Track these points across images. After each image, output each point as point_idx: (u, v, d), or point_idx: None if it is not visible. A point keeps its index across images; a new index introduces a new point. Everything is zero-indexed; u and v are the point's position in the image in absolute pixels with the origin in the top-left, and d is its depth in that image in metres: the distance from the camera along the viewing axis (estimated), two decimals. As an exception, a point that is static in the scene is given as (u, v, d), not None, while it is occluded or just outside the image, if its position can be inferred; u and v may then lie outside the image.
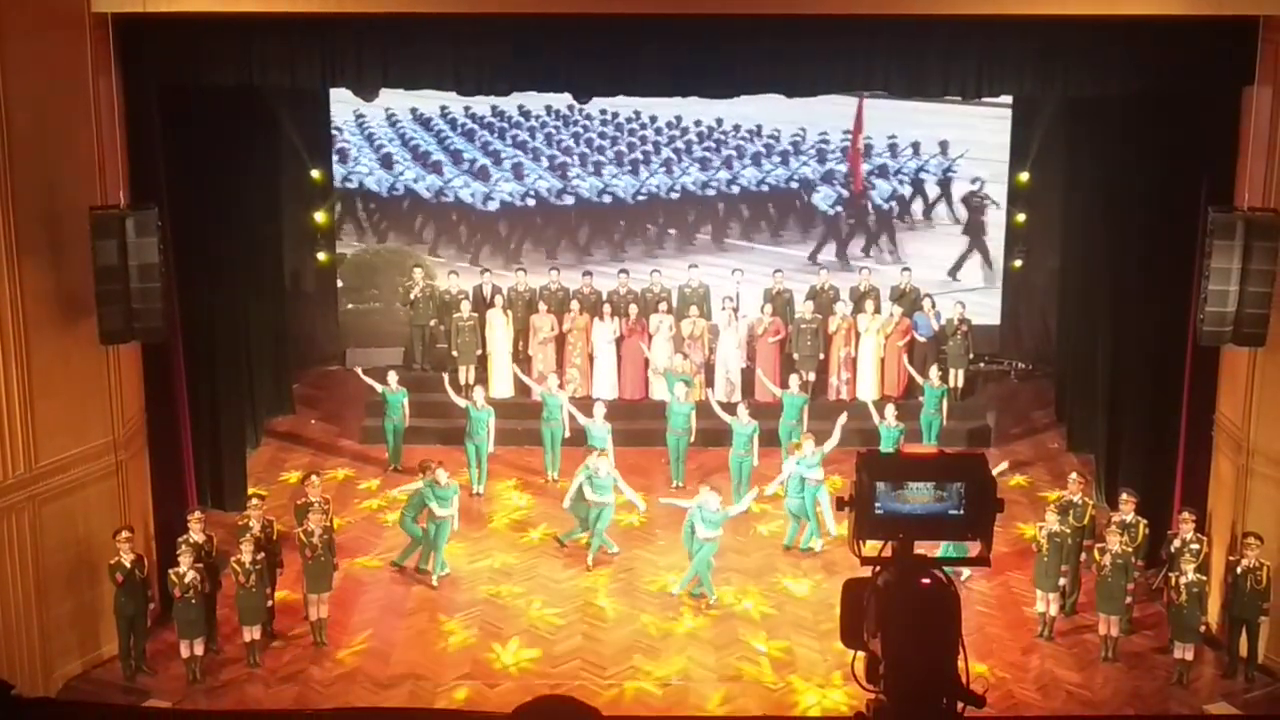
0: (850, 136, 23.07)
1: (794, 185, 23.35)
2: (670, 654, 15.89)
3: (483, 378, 20.80)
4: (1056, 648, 16.06)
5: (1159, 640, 16.01)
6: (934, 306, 21.02)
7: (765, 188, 23.40)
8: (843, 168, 23.26)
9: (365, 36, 15.46)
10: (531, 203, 23.32)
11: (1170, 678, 15.45)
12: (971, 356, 21.44)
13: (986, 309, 22.86)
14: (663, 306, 21.03)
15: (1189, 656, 15.37)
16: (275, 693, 15.23)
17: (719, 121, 23.33)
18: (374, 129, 23.40)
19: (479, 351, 21.03)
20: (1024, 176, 22.30)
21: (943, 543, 6.03)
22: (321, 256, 22.78)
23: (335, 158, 23.10)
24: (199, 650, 15.37)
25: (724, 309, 20.97)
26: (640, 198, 23.41)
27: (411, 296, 21.60)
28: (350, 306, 23.62)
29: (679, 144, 23.50)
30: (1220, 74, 15.34)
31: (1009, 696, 15.03)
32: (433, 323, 21.59)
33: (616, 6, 15.10)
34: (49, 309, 14.83)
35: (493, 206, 23.36)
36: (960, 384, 21.16)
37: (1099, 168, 19.54)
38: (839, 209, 23.34)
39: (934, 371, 20.00)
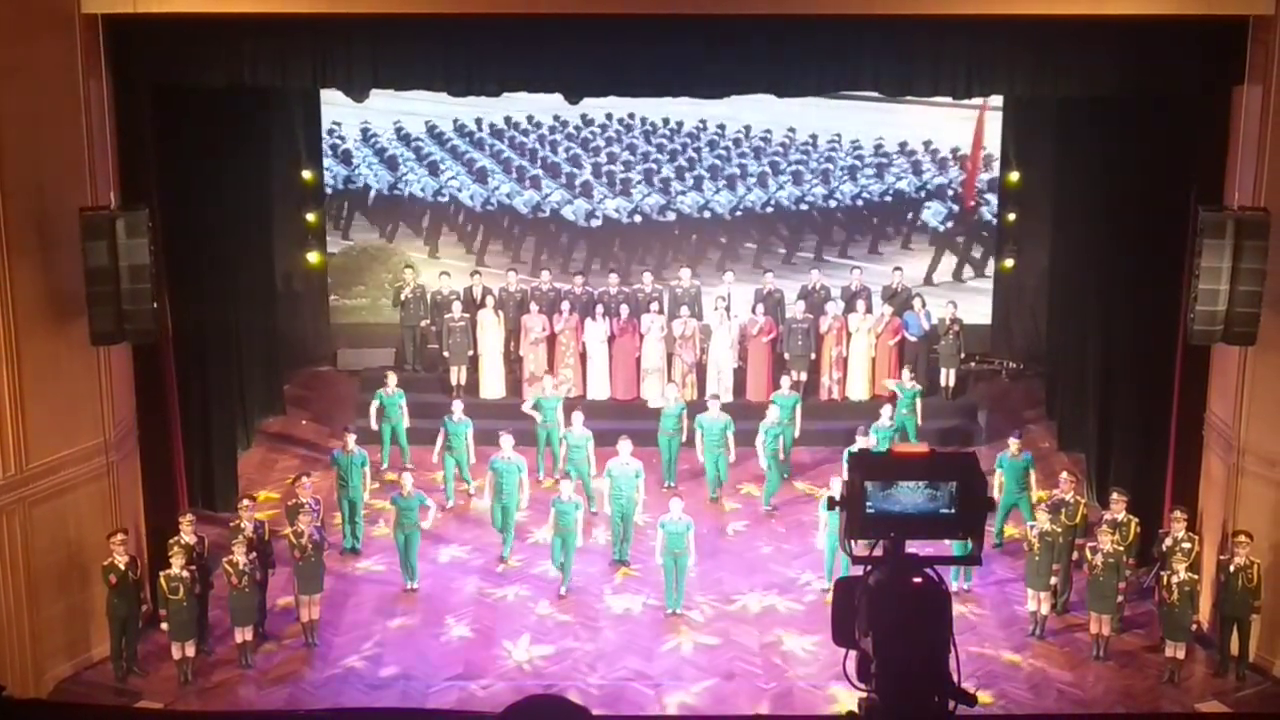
0: (922, 145, 22.83)
1: (888, 199, 23.01)
2: (662, 654, 15.89)
3: (475, 379, 20.80)
4: (1048, 646, 16.08)
5: (1150, 639, 16.03)
6: (924, 306, 21.04)
7: (860, 202, 23.06)
8: (942, 179, 22.86)
9: (355, 37, 15.46)
10: (639, 219, 23.08)
11: (1161, 676, 15.48)
12: (963, 356, 21.45)
13: (977, 308, 22.87)
14: (654, 307, 21.02)
15: (1180, 655, 15.40)
16: (267, 694, 15.23)
17: (793, 131, 22.88)
18: (453, 139, 23.17)
19: (470, 352, 21.01)
20: (1014, 176, 22.31)
21: (942, 542, 6.01)
22: (313, 258, 22.70)
23: (425, 170, 23.00)
24: (190, 651, 15.38)
25: (716, 309, 20.96)
26: (738, 214, 23.10)
27: (402, 297, 21.57)
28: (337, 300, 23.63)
29: (766, 157, 23.01)
30: (1210, 74, 15.38)
31: (1001, 695, 15.05)
32: (424, 323, 21.58)
33: (606, 7, 15.11)
34: (40, 310, 14.82)
35: (595, 224, 23.10)
36: (952, 383, 21.18)
37: (1089, 167, 19.55)
38: (949, 224, 23.03)
39: (905, 373, 20.00)
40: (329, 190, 22.97)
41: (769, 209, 23.07)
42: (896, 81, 16.02)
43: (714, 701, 15.07)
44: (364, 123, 22.77)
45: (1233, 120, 15.42)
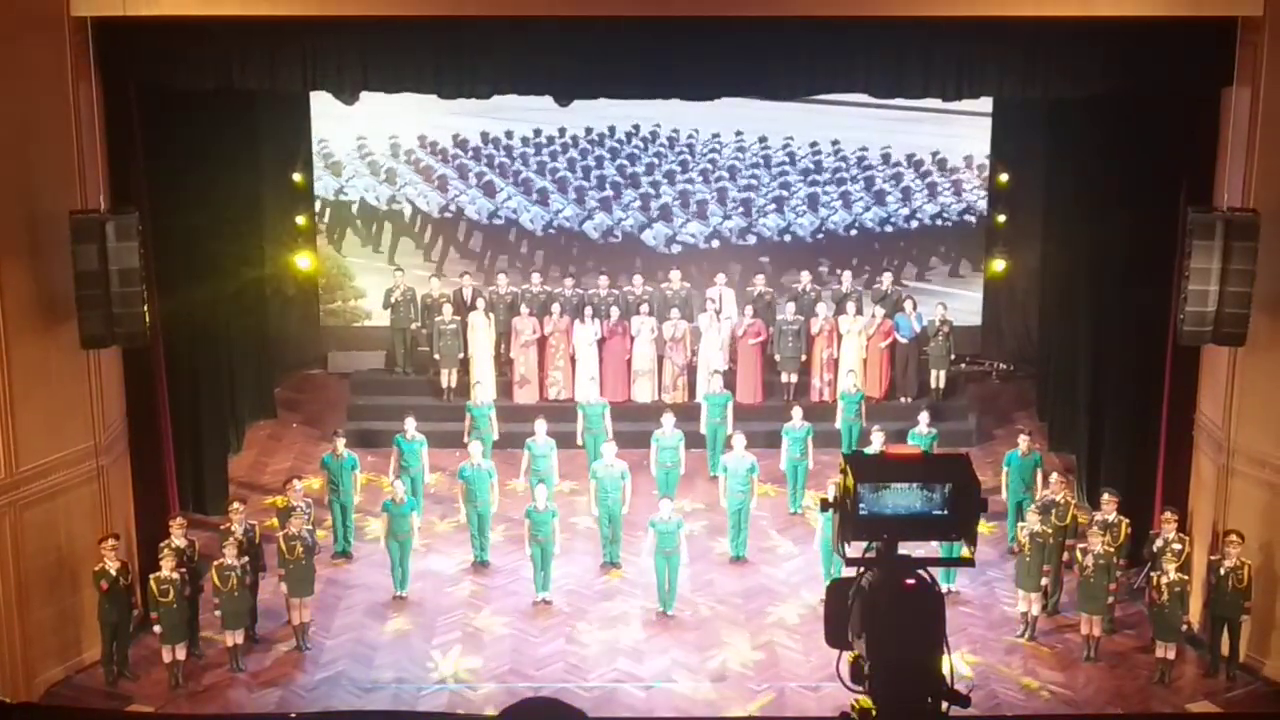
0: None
1: (969, 219, 22.84)
2: (654, 656, 15.88)
3: (465, 381, 20.76)
4: (1039, 647, 16.09)
5: (1141, 639, 16.06)
6: (915, 308, 21.05)
7: (940, 221, 22.88)
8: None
9: (345, 40, 15.43)
10: (716, 244, 22.83)
11: (1152, 677, 15.50)
12: (953, 358, 21.47)
13: (968, 310, 22.89)
14: (644, 309, 21.00)
15: (1171, 655, 15.42)
16: (258, 697, 15.21)
17: (837, 143, 22.55)
18: (501, 159, 22.95)
19: (461, 355, 20.98)
20: (1004, 177, 22.32)
21: (932, 544, 6.01)
22: (304, 264, 22.50)
23: (479, 190, 22.77)
24: (181, 655, 15.34)
25: (707, 311, 20.94)
26: (819, 236, 22.84)
27: (392, 300, 21.51)
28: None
29: (824, 173, 22.67)
30: (1199, 75, 15.40)
31: (992, 696, 15.07)
32: (414, 325, 21.54)
33: (597, 9, 15.10)
34: (29, 314, 14.79)
35: (676, 249, 22.82)
36: (942, 385, 21.19)
37: (1079, 168, 19.57)
38: None
39: (851, 379, 19.98)
40: (377, 207, 22.94)
41: (853, 231, 22.82)
42: (887, 83, 16.00)
43: (706, 703, 15.07)
44: (393, 137, 22.71)
45: (1222, 121, 15.45)
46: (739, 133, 22.67)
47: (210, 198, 18.58)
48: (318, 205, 22.78)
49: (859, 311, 21.04)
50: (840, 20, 15.17)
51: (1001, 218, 22.47)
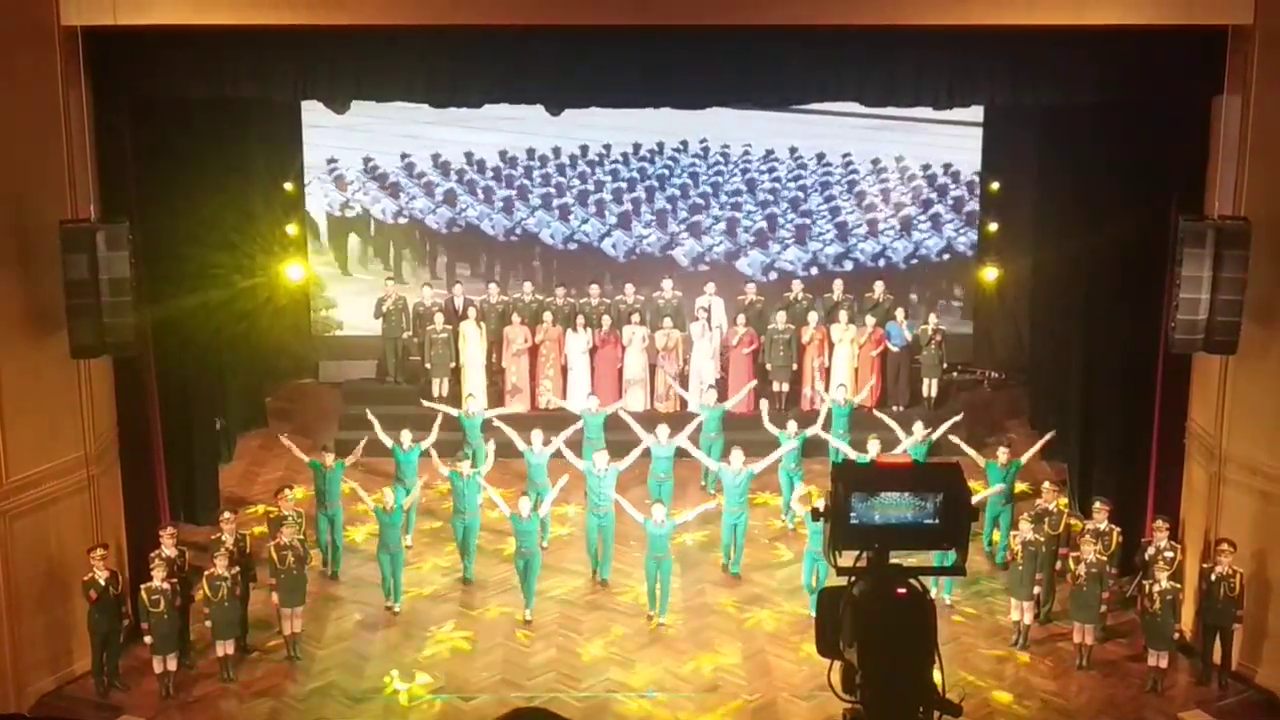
0: None
1: None
2: (645, 665, 15.86)
3: (457, 390, 20.73)
4: (1031, 656, 16.08)
5: (1133, 648, 16.05)
6: (906, 317, 21.04)
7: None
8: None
9: (337, 49, 15.42)
10: (814, 271, 22.64)
11: (1145, 685, 15.48)
12: (944, 366, 21.47)
13: (959, 318, 22.89)
14: (635, 318, 20.98)
15: (1163, 664, 15.41)
16: (249, 707, 15.17)
17: (901, 158, 22.55)
18: (553, 178, 22.96)
19: (452, 364, 20.96)
20: (995, 185, 22.34)
21: (926, 553, 6.02)
22: (296, 275, 22.47)
23: (547, 210, 22.82)
24: (172, 665, 15.30)
25: (697, 319, 20.91)
26: (913, 261, 22.77)
27: (384, 309, 21.48)
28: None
29: (903, 193, 22.62)
30: (1189, 83, 15.42)
31: (984, 705, 15.05)
32: (405, 335, 21.52)
33: (588, 18, 15.09)
34: (19, 324, 14.75)
35: (773, 277, 22.74)
36: (934, 394, 21.19)
37: (1070, 177, 19.59)
38: None
39: (840, 392, 19.95)
40: (435, 226, 22.96)
41: (945, 256, 22.79)
42: (878, 92, 16.01)
43: (697, 712, 15.05)
44: (439, 151, 22.74)
45: (1212, 130, 15.46)
46: (794, 149, 22.65)
47: (201, 207, 18.54)
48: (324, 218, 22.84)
49: (851, 320, 21.01)
50: (831, 29, 15.18)
51: (993, 226, 22.50)
